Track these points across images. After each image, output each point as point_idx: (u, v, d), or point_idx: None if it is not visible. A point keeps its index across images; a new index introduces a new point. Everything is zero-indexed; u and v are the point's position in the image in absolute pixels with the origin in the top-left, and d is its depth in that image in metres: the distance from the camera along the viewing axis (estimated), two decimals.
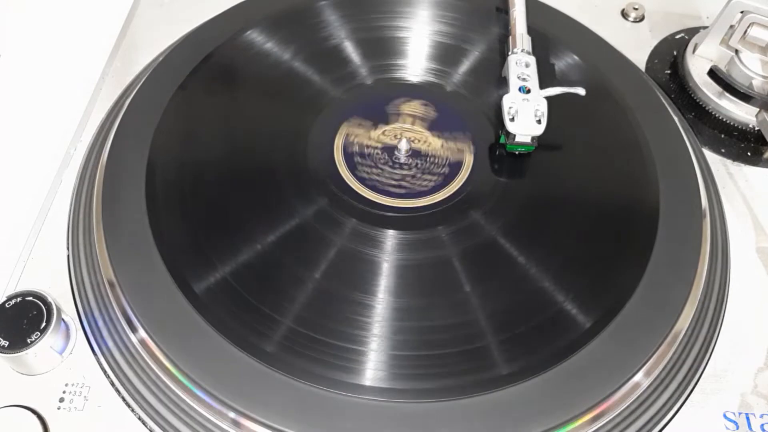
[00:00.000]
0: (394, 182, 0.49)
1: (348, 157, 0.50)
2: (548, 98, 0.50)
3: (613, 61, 0.57)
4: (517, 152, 0.51)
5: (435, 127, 0.53)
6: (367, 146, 0.51)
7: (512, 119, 0.49)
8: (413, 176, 0.50)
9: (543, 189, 0.50)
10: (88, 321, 0.44)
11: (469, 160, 0.50)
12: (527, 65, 0.52)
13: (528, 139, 0.50)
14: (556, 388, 0.40)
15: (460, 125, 0.53)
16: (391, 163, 0.51)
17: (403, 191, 0.49)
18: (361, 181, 0.49)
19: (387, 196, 0.49)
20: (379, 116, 0.53)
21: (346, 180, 0.49)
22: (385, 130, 0.52)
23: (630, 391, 0.41)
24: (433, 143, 0.52)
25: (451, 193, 0.49)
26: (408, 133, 0.52)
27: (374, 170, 0.50)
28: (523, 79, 0.51)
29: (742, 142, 0.56)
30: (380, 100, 0.54)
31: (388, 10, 0.59)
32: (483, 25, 0.59)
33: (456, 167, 0.50)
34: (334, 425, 0.38)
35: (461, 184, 0.50)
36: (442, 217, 0.48)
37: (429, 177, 0.50)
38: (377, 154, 0.51)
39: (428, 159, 0.51)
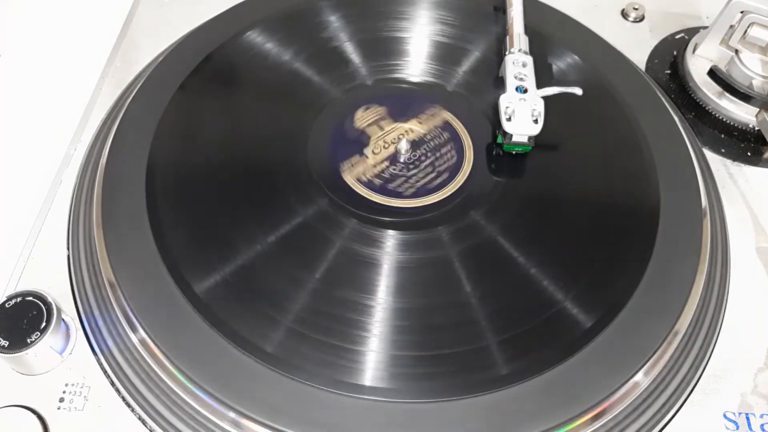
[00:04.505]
0: (434, 174, 0.50)
1: (382, 189, 0.49)
2: (546, 98, 0.50)
3: (613, 61, 0.57)
4: (514, 152, 0.51)
5: (396, 115, 0.53)
6: (383, 171, 0.50)
7: (509, 119, 0.49)
8: (436, 159, 0.50)
9: (543, 189, 0.50)
10: (88, 321, 0.44)
11: (451, 118, 0.51)
12: (524, 65, 0.52)
13: (525, 139, 0.49)
14: (556, 388, 0.40)
15: (412, 101, 0.54)
16: (412, 165, 0.50)
17: (447, 174, 0.49)
18: (415, 195, 0.49)
19: (387, 196, 0.49)
20: (355, 146, 0.52)
21: (346, 180, 0.49)
22: (373, 150, 0.51)
23: (630, 391, 0.41)
24: (413, 126, 0.52)
25: (451, 193, 0.49)
26: (389, 135, 0.52)
27: (412, 179, 0.50)
28: (520, 79, 0.51)
29: (742, 142, 0.56)
30: (341, 134, 0.52)
31: (388, 10, 0.59)
32: (483, 25, 0.59)
33: (450, 128, 0.52)
34: (334, 425, 0.38)
35: (461, 184, 0.50)
36: (442, 217, 0.48)
37: (444, 149, 0.50)
38: (395, 169, 0.50)
39: (426, 138, 0.51)
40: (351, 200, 0.48)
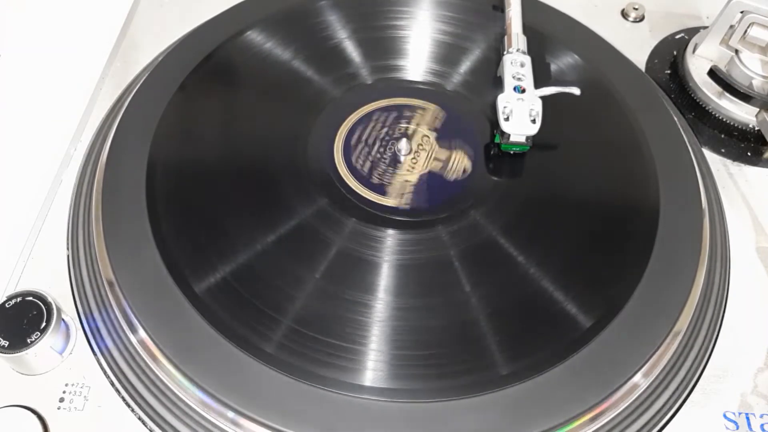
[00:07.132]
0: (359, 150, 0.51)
1: (382, 189, 0.49)
2: (545, 98, 0.50)
3: (613, 61, 0.57)
4: (512, 152, 0.51)
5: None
6: (378, 135, 0.52)
7: (507, 119, 0.49)
8: (369, 155, 0.51)
9: (543, 189, 0.50)
10: (87, 321, 0.44)
11: (399, 203, 0.49)
12: (522, 65, 0.52)
13: (522, 139, 0.50)
14: (556, 388, 0.40)
15: (457, 188, 0.50)
16: (381, 144, 0.51)
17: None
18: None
19: (384, 196, 0.49)
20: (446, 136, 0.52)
21: (346, 180, 0.49)
22: (416, 131, 0.52)
23: (630, 391, 0.41)
24: (413, 175, 0.50)
25: (451, 193, 0.49)
26: (422, 149, 0.51)
27: (366, 132, 0.51)
28: (518, 79, 0.51)
29: (742, 142, 0.56)
30: (465, 123, 0.53)
31: (388, 10, 0.59)
32: (483, 24, 0.59)
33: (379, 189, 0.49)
34: (334, 425, 0.38)
35: (461, 184, 0.50)
36: (442, 216, 0.48)
37: (375, 174, 0.50)
38: (387, 131, 0.52)
39: (396, 167, 0.50)
40: (351, 200, 0.48)
